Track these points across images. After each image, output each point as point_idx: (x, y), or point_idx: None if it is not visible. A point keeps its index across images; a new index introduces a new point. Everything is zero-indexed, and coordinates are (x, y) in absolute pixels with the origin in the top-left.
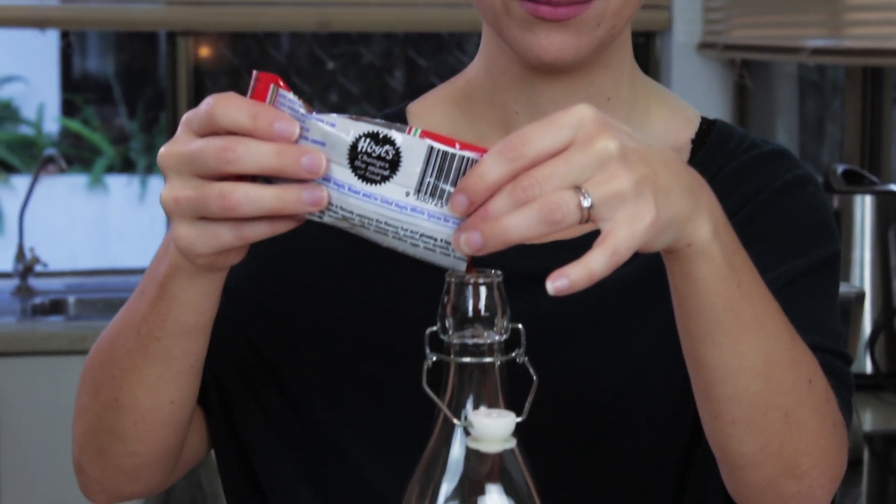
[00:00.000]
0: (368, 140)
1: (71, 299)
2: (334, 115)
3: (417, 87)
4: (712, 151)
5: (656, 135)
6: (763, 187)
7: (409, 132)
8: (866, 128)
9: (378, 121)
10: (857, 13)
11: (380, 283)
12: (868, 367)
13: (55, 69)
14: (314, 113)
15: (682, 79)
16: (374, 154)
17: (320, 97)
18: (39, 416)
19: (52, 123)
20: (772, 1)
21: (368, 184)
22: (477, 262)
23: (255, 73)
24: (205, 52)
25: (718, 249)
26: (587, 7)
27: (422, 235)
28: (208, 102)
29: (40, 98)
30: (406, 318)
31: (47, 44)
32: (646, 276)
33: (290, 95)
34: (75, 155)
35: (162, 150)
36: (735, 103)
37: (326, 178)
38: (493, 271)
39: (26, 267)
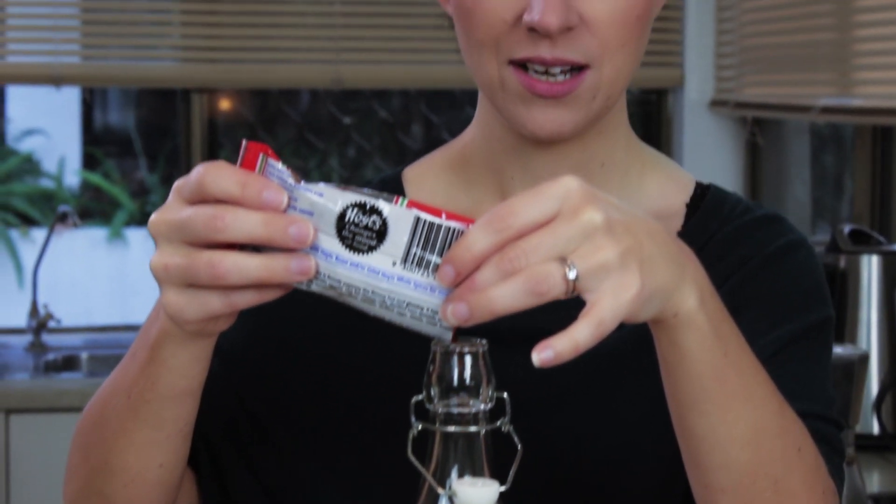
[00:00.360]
0: (356, 210)
1: (84, 355)
2: (322, 185)
3: (432, 143)
4: (706, 216)
5: (651, 199)
6: (756, 252)
7: (396, 202)
8: (876, 186)
9: (366, 190)
10: (865, 72)
11: (372, 348)
12: (875, 428)
13: (76, 122)
14: (302, 182)
15: (695, 136)
16: (361, 224)
17: (338, 153)
18: (52, 473)
19: (73, 176)
20: (782, 59)
21: (356, 253)
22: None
23: (244, 142)
24: (220, 108)
25: (704, 319)
26: (581, 80)
27: (408, 305)
28: (198, 171)
29: (61, 151)
30: (398, 383)
31: (68, 97)
32: (639, 342)
33: (279, 165)
34: (95, 208)
35: (153, 216)
36: (747, 160)
37: (314, 248)
38: (478, 340)
39: (40, 323)
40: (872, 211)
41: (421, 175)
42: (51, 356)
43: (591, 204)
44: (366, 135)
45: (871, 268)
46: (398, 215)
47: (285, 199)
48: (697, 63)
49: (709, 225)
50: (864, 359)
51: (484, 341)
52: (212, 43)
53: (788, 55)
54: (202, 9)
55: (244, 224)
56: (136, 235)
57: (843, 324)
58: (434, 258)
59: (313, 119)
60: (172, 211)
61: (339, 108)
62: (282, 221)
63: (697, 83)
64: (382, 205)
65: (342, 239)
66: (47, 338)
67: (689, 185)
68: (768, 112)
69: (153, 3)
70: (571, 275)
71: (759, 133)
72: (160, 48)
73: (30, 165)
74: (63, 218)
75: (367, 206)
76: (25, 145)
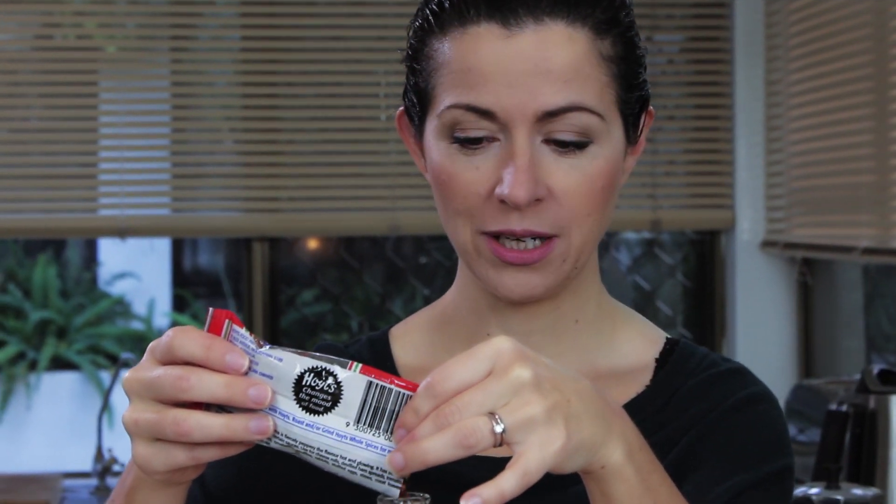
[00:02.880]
0: (312, 375)
1: None
2: (281, 350)
3: None
4: (673, 371)
5: (622, 354)
6: (717, 404)
7: (349, 368)
8: None
9: (323, 356)
10: None
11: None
12: None
13: (167, 265)
14: (265, 347)
15: (747, 276)
16: (317, 387)
17: (398, 296)
18: None
19: (163, 318)
20: (828, 201)
21: (311, 414)
22: (435, 472)
23: (210, 309)
24: (281, 256)
25: (632, 471)
26: (551, 248)
27: (359, 463)
28: (169, 334)
29: (151, 293)
30: None
31: (159, 241)
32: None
33: (242, 331)
34: None
35: (127, 374)
36: (799, 300)
37: (272, 408)
38: (422, 495)
39: (104, 467)
40: None
41: (406, 333)
42: None
43: (521, 362)
44: (423, 279)
45: None
46: (352, 379)
47: (246, 363)
48: (748, 204)
49: (675, 379)
50: (879, 498)
51: (427, 496)
52: (272, 193)
53: (833, 197)
54: (264, 161)
55: (207, 385)
56: None
57: (874, 464)
58: (384, 419)
59: (370, 264)
60: (145, 370)
61: (396, 252)
62: (242, 384)
63: (749, 224)
64: (337, 370)
65: (299, 401)
66: (112, 482)
67: (660, 341)
68: (816, 252)
69: (220, 157)
70: (499, 428)
71: (808, 273)
72: (226, 199)
73: (121, 308)
74: (125, 365)
75: (323, 371)
76: (117, 288)
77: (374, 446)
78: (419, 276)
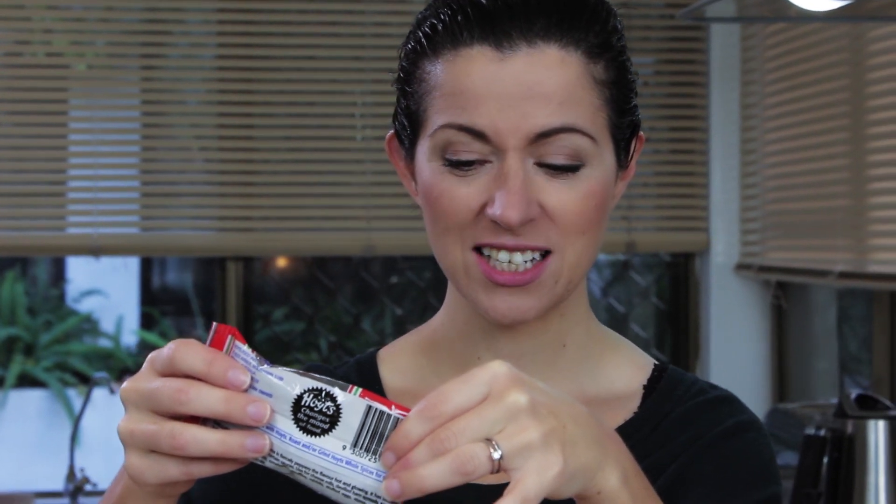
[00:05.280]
0: (312, 395)
1: None
2: (282, 369)
3: None
4: (661, 397)
5: (610, 380)
6: (706, 432)
7: (350, 391)
8: (894, 352)
9: (323, 377)
10: (881, 238)
11: None
12: None
13: (135, 283)
14: (265, 365)
15: (721, 299)
16: (316, 408)
17: (368, 315)
18: None
19: (131, 335)
20: (803, 224)
21: (309, 435)
22: (428, 499)
23: (214, 324)
24: (264, 278)
25: (628, 496)
26: (544, 267)
27: (353, 487)
28: (171, 347)
29: (119, 310)
30: None
31: (129, 259)
32: None
33: (245, 347)
34: None
35: (125, 384)
36: (773, 323)
37: (270, 427)
38: None
39: (76, 487)
40: (892, 376)
41: (394, 356)
42: None
43: (517, 387)
44: (397, 300)
45: (877, 433)
46: (351, 403)
47: (248, 380)
48: (723, 227)
49: (663, 406)
50: None
51: None
52: (247, 213)
53: (809, 221)
54: (239, 180)
55: (206, 399)
56: None
57: (852, 489)
58: (382, 445)
59: (343, 285)
60: (143, 380)
61: (371, 273)
62: (242, 400)
63: (723, 247)
64: (337, 392)
65: (297, 421)
66: (84, 501)
67: (647, 367)
68: (791, 276)
69: (196, 176)
70: (496, 455)
71: (783, 297)
72: (199, 219)
73: (89, 325)
74: (98, 384)
75: (323, 393)
76: (85, 306)
77: (370, 471)
78: (390, 296)
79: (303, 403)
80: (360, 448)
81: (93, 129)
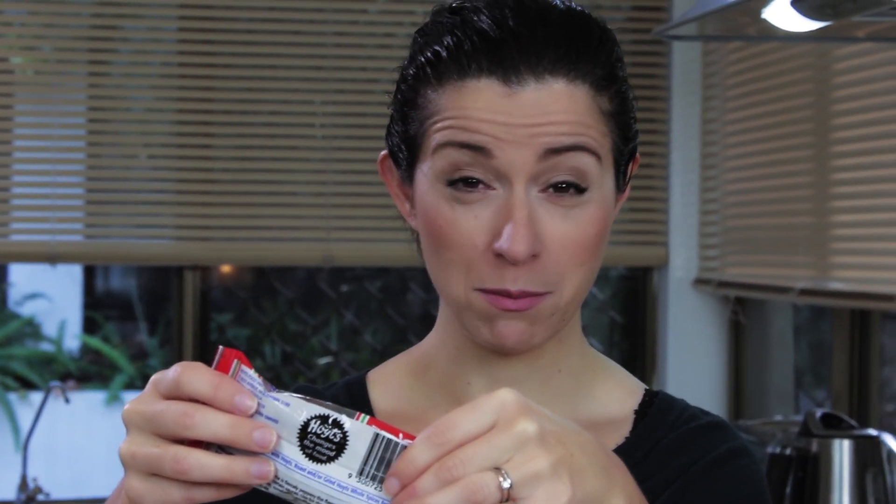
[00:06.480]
0: (319, 422)
1: None
2: (288, 395)
3: (424, 319)
4: (653, 423)
5: (602, 405)
6: (698, 458)
7: (357, 418)
8: (854, 370)
9: (329, 404)
10: (842, 256)
11: None
12: None
13: (78, 287)
14: (272, 390)
15: (679, 313)
16: (322, 435)
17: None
18: None
19: (73, 340)
20: (764, 241)
21: (314, 462)
22: None
23: (220, 348)
24: (213, 283)
25: None
26: (542, 300)
27: None
28: (176, 369)
29: (62, 315)
30: None
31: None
32: None
33: (251, 372)
34: (95, 371)
35: (127, 405)
36: (731, 338)
37: (275, 453)
38: None
39: (28, 497)
40: (851, 394)
41: (384, 378)
42: None
43: (526, 415)
44: (354, 310)
45: (842, 452)
46: (358, 430)
47: (255, 405)
48: (682, 242)
49: (655, 432)
50: None
51: None
52: (205, 222)
53: (769, 237)
54: (196, 189)
55: (211, 424)
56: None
57: None
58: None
59: (302, 295)
60: (147, 403)
61: (330, 284)
62: (247, 426)
63: (682, 262)
64: (344, 419)
65: (303, 448)
66: None
67: (639, 393)
68: (750, 292)
69: (149, 184)
70: (506, 484)
71: (741, 312)
72: (156, 227)
73: (31, 329)
74: (50, 392)
75: (330, 420)
76: (26, 309)
77: (375, 500)
78: (341, 304)
79: (309, 430)
80: (367, 476)
81: (38, 136)
